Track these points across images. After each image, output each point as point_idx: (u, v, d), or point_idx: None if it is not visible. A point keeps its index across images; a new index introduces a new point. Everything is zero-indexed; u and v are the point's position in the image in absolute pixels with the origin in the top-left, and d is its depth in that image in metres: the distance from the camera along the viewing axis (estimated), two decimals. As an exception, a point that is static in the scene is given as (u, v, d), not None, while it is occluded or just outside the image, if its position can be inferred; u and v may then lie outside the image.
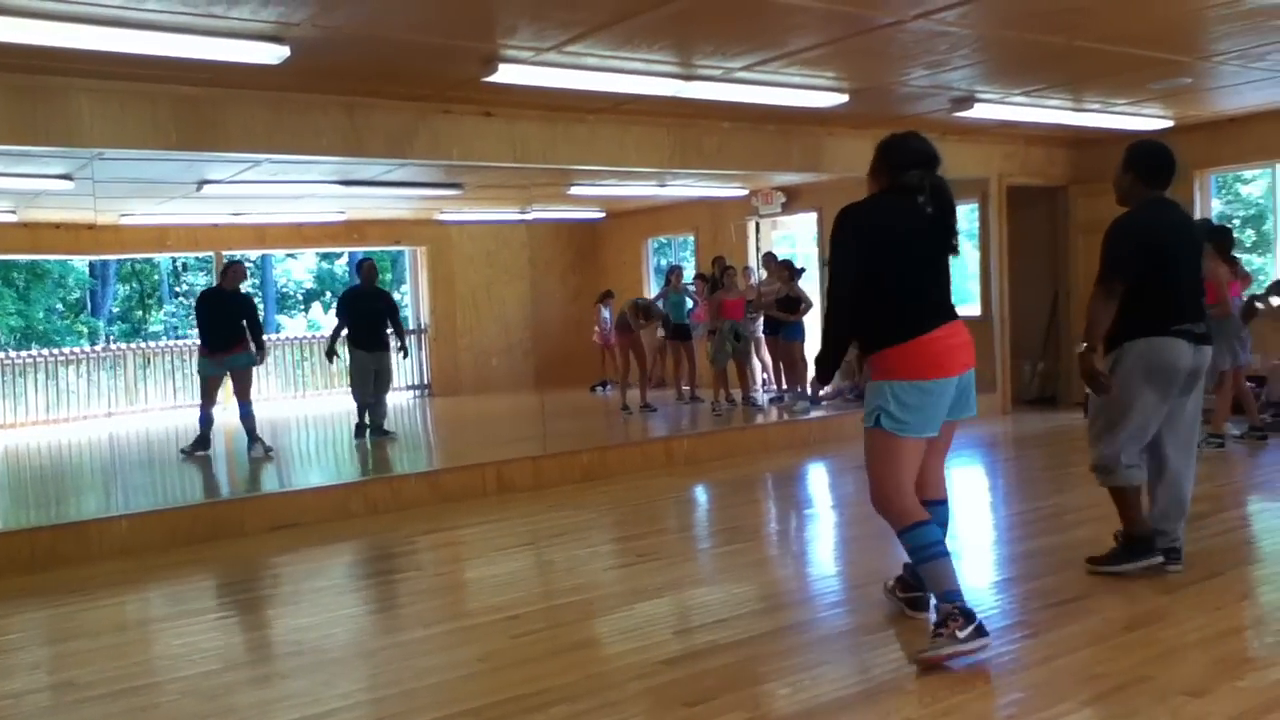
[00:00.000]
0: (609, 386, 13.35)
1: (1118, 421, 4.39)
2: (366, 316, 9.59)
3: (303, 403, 14.45)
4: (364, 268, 9.85)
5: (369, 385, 9.60)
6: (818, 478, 8.05)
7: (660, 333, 11.98)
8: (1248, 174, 11.02)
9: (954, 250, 3.77)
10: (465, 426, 11.82)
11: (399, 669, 3.88)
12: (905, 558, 3.91)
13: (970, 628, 3.48)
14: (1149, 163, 4.49)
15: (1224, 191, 14.27)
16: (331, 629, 4.50)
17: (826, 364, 3.75)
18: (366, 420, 9.69)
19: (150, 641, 4.52)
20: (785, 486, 7.54)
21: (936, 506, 3.84)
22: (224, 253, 14.44)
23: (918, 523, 3.59)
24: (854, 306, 3.63)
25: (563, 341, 15.25)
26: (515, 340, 15.19)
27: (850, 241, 3.65)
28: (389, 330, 9.82)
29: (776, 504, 6.55)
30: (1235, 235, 8.51)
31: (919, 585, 3.95)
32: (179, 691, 3.81)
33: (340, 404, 13.51)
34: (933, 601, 3.66)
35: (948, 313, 3.67)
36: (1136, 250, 4.31)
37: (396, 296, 12.66)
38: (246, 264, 24.34)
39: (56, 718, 3.55)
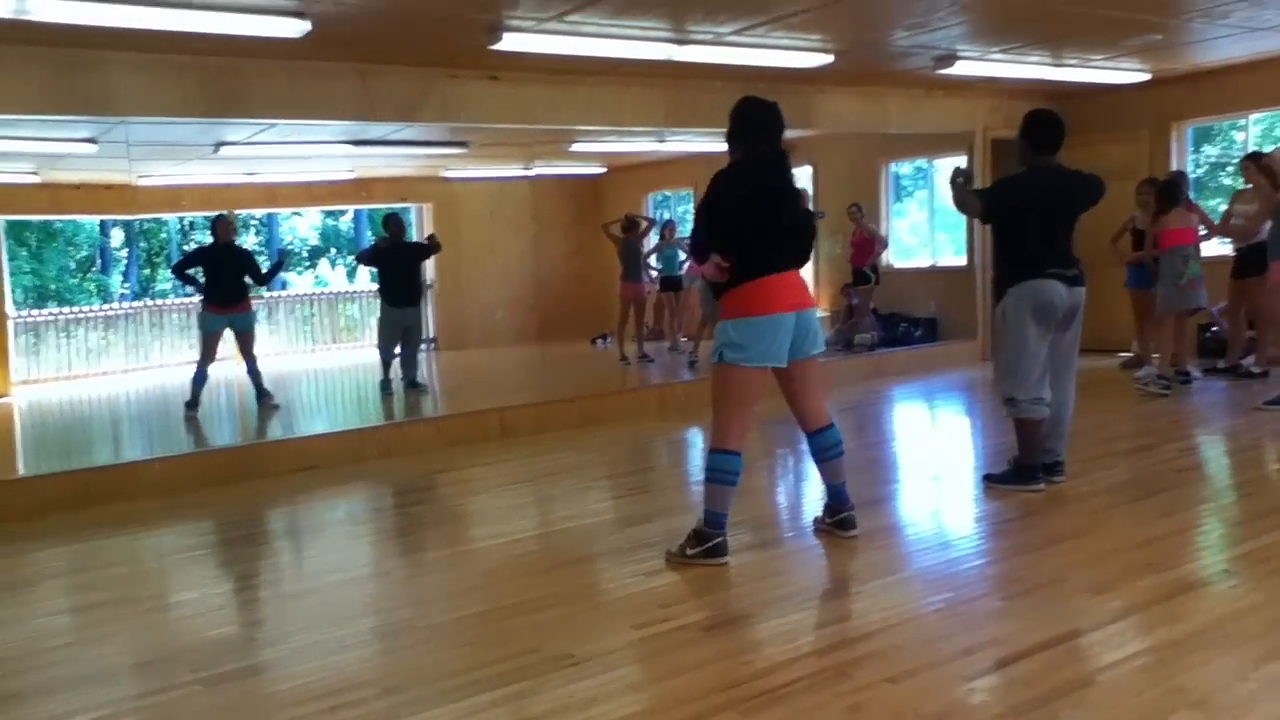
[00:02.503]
0: (608, 339, 13.83)
1: (1015, 356, 5.03)
2: (397, 272, 9.66)
3: (311, 357, 14.98)
4: (392, 223, 9.85)
5: (396, 341, 9.72)
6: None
7: (655, 286, 12.44)
8: (1241, 121, 11.34)
9: (795, 215, 4.33)
10: (471, 377, 12.33)
11: (413, 582, 4.44)
12: (831, 487, 4.53)
13: (700, 549, 4.20)
14: (1037, 131, 5.11)
15: (1220, 139, 14.59)
16: (351, 552, 5.06)
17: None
18: (390, 375, 9.78)
19: (193, 565, 5.05)
20: (772, 428, 7.97)
21: (824, 431, 4.42)
22: (235, 211, 14.91)
23: (729, 450, 4.21)
24: (706, 250, 4.25)
25: (565, 295, 15.71)
26: (518, 294, 15.64)
27: (717, 207, 4.21)
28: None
29: (762, 444, 7.03)
30: (1228, 182, 8.75)
31: (842, 505, 4.50)
32: (220, 603, 4.37)
33: (347, 357, 14.08)
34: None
35: (781, 266, 4.20)
36: (1008, 201, 5.12)
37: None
38: (253, 222, 24.60)
39: (120, 624, 4.08)
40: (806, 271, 4.54)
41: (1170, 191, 8.02)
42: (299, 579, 4.69)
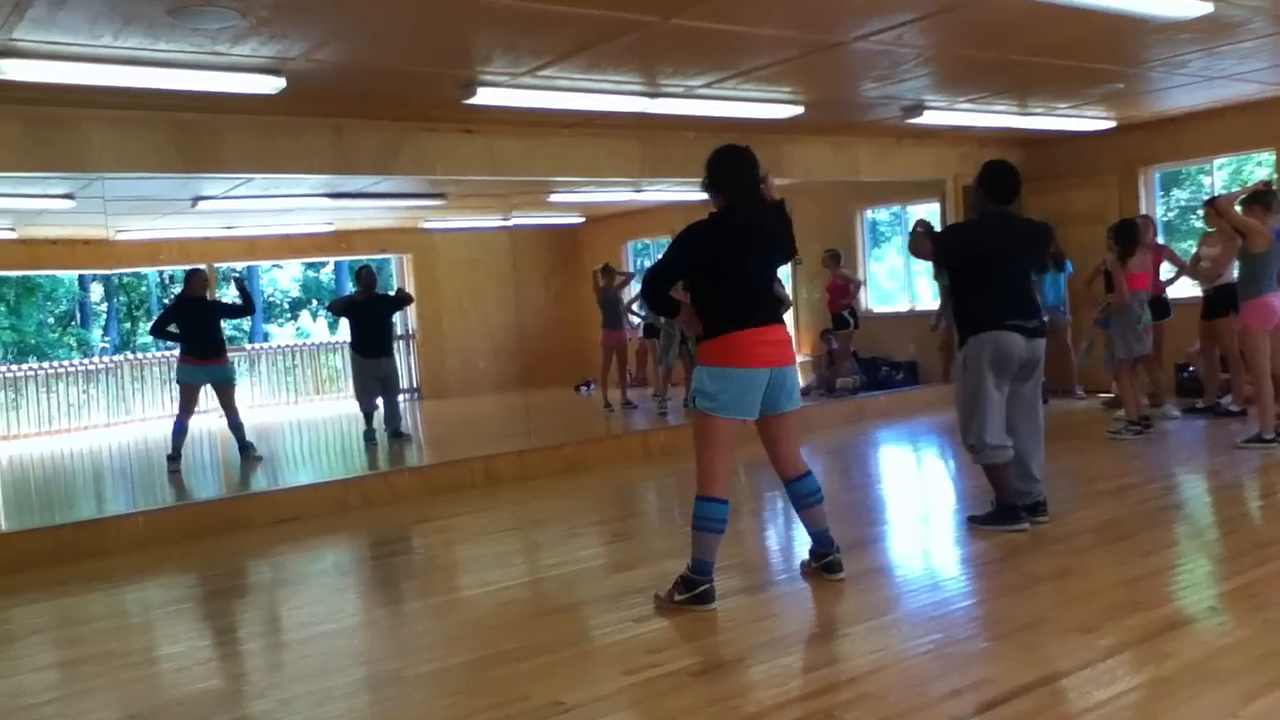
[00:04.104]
0: (591, 386, 13.85)
1: (974, 405, 5.11)
2: (368, 324, 9.77)
3: (293, 409, 14.91)
4: (363, 275, 9.97)
5: (373, 392, 9.79)
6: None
7: (638, 332, 12.50)
8: (1207, 165, 11.60)
9: (780, 260, 4.47)
10: (454, 425, 12.31)
11: (401, 631, 4.42)
12: (813, 534, 4.55)
13: (688, 595, 4.20)
14: (995, 179, 5.22)
15: (1188, 183, 14.87)
16: (338, 602, 5.02)
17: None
18: (373, 425, 9.82)
19: (178, 618, 5.01)
20: (754, 473, 8.02)
21: (801, 479, 4.46)
22: (216, 265, 14.93)
23: (714, 498, 4.24)
24: (660, 297, 4.38)
25: (546, 343, 15.74)
26: (500, 343, 15.65)
27: (681, 256, 4.32)
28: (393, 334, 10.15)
29: (746, 488, 7.07)
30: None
31: (827, 550, 4.52)
32: (205, 656, 4.34)
33: (329, 408, 14.03)
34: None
35: (763, 318, 4.25)
36: (958, 246, 5.28)
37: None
38: (233, 275, 24.95)
39: (106, 679, 4.03)
40: (787, 317, 4.62)
41: (1128, 234, 8.07)
42: (285, 630, 4.65)
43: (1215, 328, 8.34)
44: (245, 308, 9.48)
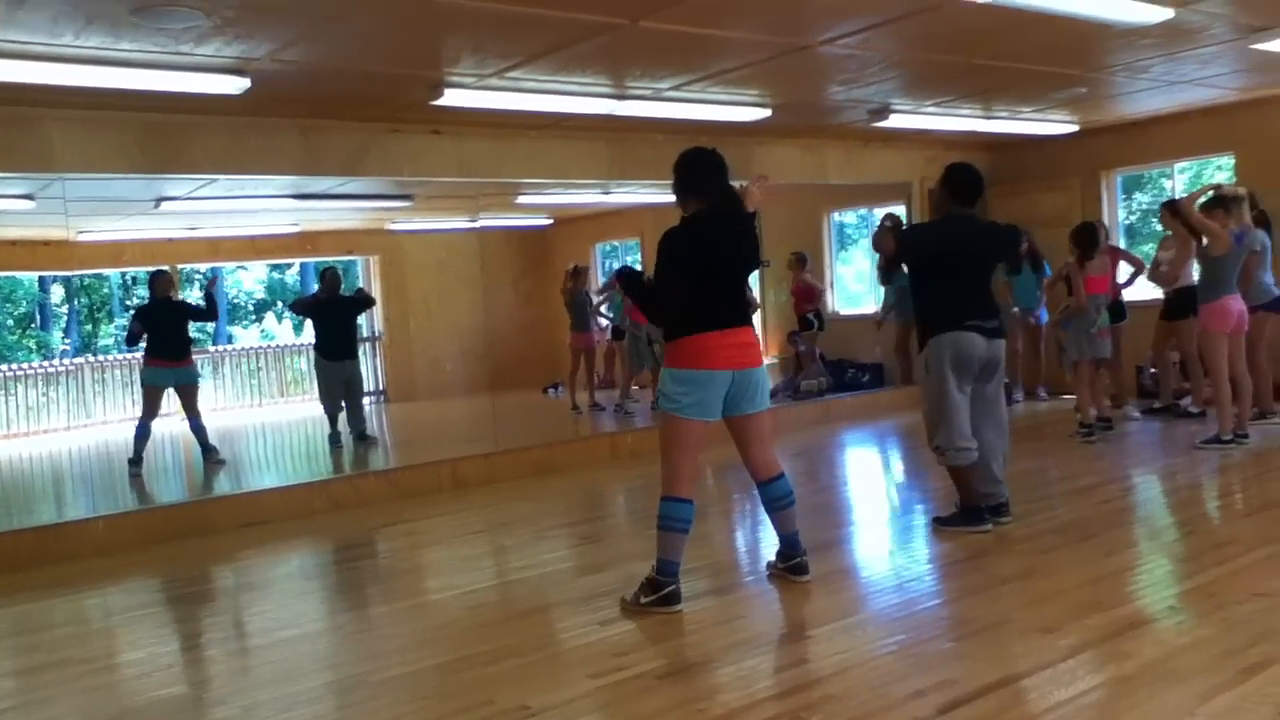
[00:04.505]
0: (560, 388, 13.84)
1: (938, 407, 5.16)
2: (331, 326, 9.71)
3: (258, 411, 14.79)
4: (327, 276, 9.89)
5: (338, 394, 9.74)
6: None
7: (606, 334, 12.50)
8: (1168, 170, 11.73)
9: (747, 265, 4.43)
10: (421, 428, 12.25)
11: (367, 636, 4.39)
12: (783, 536, 4.58)
13: (654, 597, 4.23)
14: (958, 181, 5.27)
15: (1150, 186, 15.06)
16: (303, 607, 4.99)
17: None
18: (338, 428, 9.78)
19: (139, 624, 4.95)
20: (721, 475, 8.03)
21: (773, 482, 4.47)
22: (179, 266, 14.78)
23: (678, 497, 4.26)
24: (672, 304, 4.28)
25: (515, 345, 15.70)
26: (468, 345, 15.60)
27: (666, 260, 4.25)
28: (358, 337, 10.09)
29: (713, 490, 7.09)
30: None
31: (794, 552, 4.55)
32: (167, 663, 4.29)
33: (294, 411, 13.94)
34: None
35: (729, 319, 4.26)
36: (922, 245, 5.37)
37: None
38: (196, 276, 24.63)
39: (65, 686, 3.98)
40: (755, 320, 4.62)
41: (1088, 238, 8.07)
42: (249, 636, 4.61)
43: (1176, 329, 8.44)
44: (208, 314, 9.36)
